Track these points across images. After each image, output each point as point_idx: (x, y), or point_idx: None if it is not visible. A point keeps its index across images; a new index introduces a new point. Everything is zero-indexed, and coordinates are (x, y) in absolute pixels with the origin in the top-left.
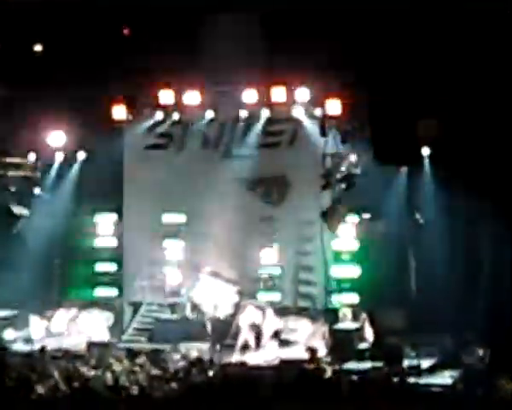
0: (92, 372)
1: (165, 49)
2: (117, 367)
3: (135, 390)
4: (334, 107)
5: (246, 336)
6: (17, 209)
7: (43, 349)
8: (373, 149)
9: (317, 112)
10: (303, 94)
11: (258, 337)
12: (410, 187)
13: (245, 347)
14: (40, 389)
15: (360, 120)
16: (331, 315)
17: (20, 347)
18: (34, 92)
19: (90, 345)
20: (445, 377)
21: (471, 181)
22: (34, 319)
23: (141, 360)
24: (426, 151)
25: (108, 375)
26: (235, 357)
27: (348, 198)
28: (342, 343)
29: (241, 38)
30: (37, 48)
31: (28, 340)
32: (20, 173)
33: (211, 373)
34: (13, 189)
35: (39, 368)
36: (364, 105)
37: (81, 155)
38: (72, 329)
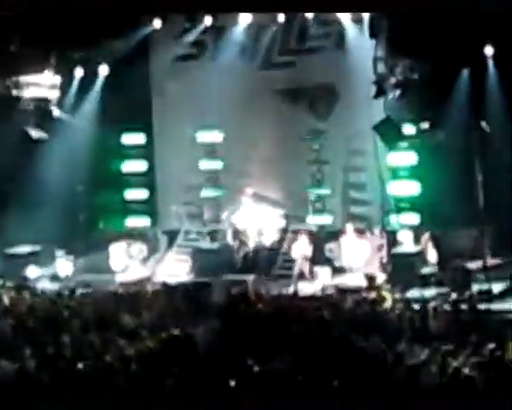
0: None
1: None
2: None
3: (175, 331)
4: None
5: (300, 264)
6: (35, 133)
7: (73, 291)
8: (429, 50)
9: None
10: None
11: (311, 266)
12: (473, 92)
13: (298, 276)
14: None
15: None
16: (389, 238)
17: (45, 285)
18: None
19: (124, 281)
20: None
21: None
22: (60, 255)
23: (178, 295)
24: (489, 50)
25: (145, 313)
26: (285, 288)
27: (404, 107)
28: (403, 269)
29: None
30: None
31: (54, 277)
32: (37, 93)
33: (259, 307)
34: (29, 111)
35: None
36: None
37: (103, 70)
38: (103, 264)
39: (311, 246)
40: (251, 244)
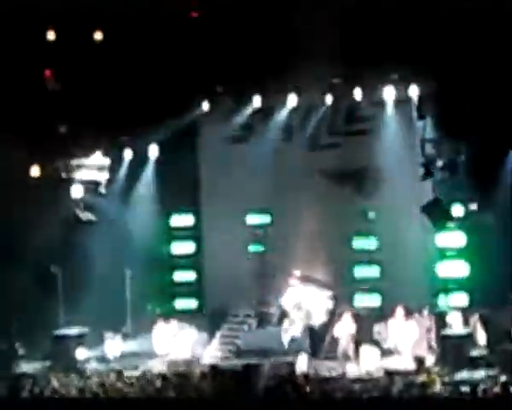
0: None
1: None
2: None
3: None
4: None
5: (344, 345)
6: (84, 215)
7: (120, 373)
8: (477, 131)
9: (413, 91)
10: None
11: (357, 347)
12: None
13: (344, 358)
14: None
15: (461, 100)
16: (438, 319)
17: (94, 366)
18: (98, 85)
19: (172, 363)
20: None
21: None
22: (108, 337)
23: (227, 377)
24: None
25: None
26: (333, 370)
27: (452, 188)
28: (452, 351)
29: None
30: (97, 36)
31: (102, 359)
32: (86, 175)
33: (307, 389)
34: (78, 193)
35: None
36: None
37: (153, 152)
38: (151, 346)
39: (357, 326)
40: (299, 326)
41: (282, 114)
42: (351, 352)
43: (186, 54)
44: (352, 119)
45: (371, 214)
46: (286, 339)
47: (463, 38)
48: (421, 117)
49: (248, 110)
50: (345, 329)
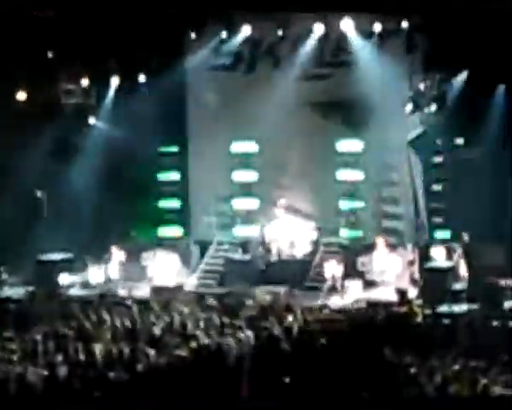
0: (157, 320)
1: None
2: (184, 313)
3: (204, 339)
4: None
5: (329, 276)
6: (72, 141)
7: (102, 296)
8: (466, 65)
9: (403, 24)
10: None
11: (342, 279)
12: (510, 108)
13: (329, 289)
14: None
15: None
16: (422, 253)
17: (77, 292)
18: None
19: (155, 290)
20: None
21: None
22: (92, 263)
23: (210, 305)
24: None
25: (176, 321)
26: (317, 300)
27: (439, 122)
28: (435, 284)
29: None
30: None
31: (86, 285)
32: (73, 101)
33: (289, 319)
34: (66, 118)
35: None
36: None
37: (139, 79)
38: (134, 272)
39: (343, 259)
40: (283, 256)
41: (271, 44)
42: (337, 284)
43: None
44: (340, 50)
45: (358, 146)
46: (270, 269)
47: None
48: (410, 50)
49: (237, 39)
50: (331, 262)
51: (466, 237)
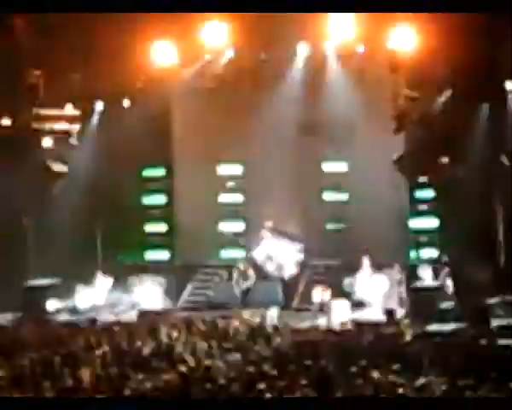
0: (145, 344)
1: None
2: (172, 337)
3: (191, 362)
4: (404, 38)
5: (316, 298)
6: (56, 167)
7: (90, 321)
8: (451, 85)
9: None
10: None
11: (329, 300)
12: (493, 126)
13: (316, 310)
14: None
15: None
16: (409, 272)
17: (65, 317)
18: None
19: (142, 314)
20: None
21: None
22: (79, 288)
23: (198, 328)
24: (510, 85)
25: (164, 345)
26: (304, 322)
27: (424, 141)
28: (422, 303)
29: None
30: None
31: (74, 310)
32: (58, 126)
33: (277, 341)
34: (50, 144)
35: (87, 342)
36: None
37: (124, 103)
38: (122, 297)
39: (330, 280)
40: (270, 277)
41: (255, 66)
42: (324, 305)
43: None
44: (323, 71)
45: (343, 167)
46: (256, 291)
47: None
48: (394, 70)
49: (221, 62)
50: (318, 283)
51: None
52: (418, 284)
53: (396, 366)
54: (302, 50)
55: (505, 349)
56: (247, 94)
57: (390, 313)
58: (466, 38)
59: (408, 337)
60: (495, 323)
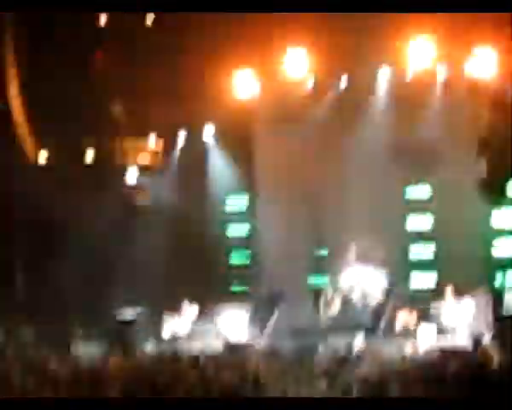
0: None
1: None
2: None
3: (277, 393)
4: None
5: (402, 325)
6: (138, 200)
7: (175, 352)
8: None
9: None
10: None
11: (414, 327)
12: None
13: (403, 336)
14: None
15: None
16: (495, 298)
17: (151, 348)
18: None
19: (228, 347)
20: None
21: None
22: (164, 318)
23: (283, 359)
24: None
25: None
26: (390, 349)
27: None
28: (509, 330)
29: None
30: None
31: (160, 341)
32: (140, 158)
33: (365, 368)
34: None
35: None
36: None
37: (208, 131)
38: (207, 328)
39: (415, 307)
40: (356, 305)
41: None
42: (409, 330)
43: None
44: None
45: (427, 191)
46: (342, 319)
47: None
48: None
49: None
50: (404, 310)
51: None
52: (505, 309)
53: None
54: (383, 75)
55: None
56: (326, 121)
57: (476, 339)
58: None
59: (495, 364)
60: None
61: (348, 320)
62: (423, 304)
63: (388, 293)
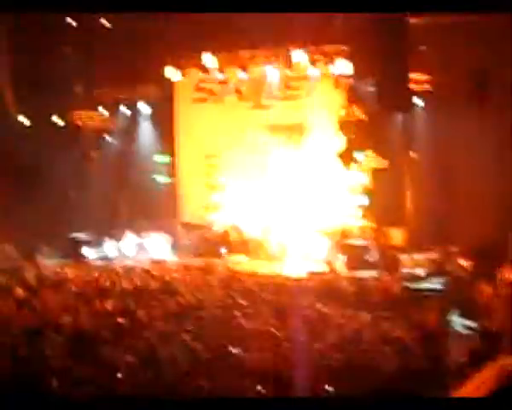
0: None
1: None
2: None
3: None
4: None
5: None
6: (93, 154)
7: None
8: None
9: (332, 69)
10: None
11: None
12: (406, 129)
13: None
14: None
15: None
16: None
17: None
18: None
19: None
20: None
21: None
22: (108, 241)
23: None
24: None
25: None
26: None
27: (358, 139)
28: (354, 256)
29: None
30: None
31: (104, 258)
32: (94, 124)
33: None
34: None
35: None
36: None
37: (143, 108)
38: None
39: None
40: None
41: (235, 83)
42: None
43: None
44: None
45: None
46: None
47: None
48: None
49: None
50: None
51: None
52: (350, 241)
53: None
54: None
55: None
56: (230, 103)
57: (331, 263)
58: None
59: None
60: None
61: None
62: None
63: None
